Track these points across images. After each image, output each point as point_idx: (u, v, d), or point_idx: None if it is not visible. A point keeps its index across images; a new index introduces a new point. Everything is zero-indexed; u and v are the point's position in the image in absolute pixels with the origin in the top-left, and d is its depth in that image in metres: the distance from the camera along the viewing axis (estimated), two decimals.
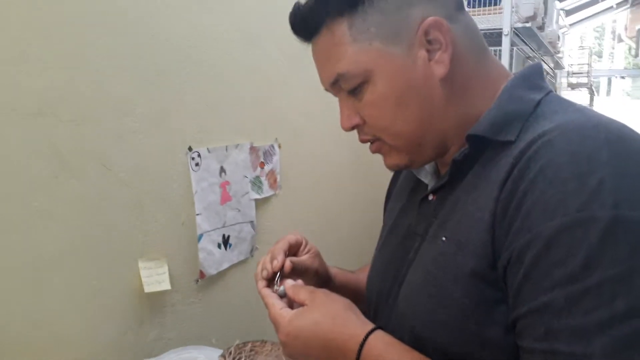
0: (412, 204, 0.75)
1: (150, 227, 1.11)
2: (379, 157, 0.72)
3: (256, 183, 1.44)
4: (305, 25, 0.65)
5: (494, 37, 1.85)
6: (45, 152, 0.89)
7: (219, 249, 1.30)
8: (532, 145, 0.52)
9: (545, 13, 2.29)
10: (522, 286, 0.50)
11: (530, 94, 0.61)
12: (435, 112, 0.63)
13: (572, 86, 6.19)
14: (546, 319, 0.47)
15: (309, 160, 1.67)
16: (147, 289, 1.08)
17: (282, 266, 0.74)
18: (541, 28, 2.18)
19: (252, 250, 1.43)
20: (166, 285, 1.12)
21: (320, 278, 0.83)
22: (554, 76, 4.16)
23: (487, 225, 0.54)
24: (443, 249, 0.60)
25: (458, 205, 0.61)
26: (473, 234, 0.56)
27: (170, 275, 1.14)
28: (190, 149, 1.19)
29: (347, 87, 0.64)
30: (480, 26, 1.88)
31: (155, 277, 1.11)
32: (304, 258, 0.80)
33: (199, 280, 1.24)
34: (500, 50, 1.78)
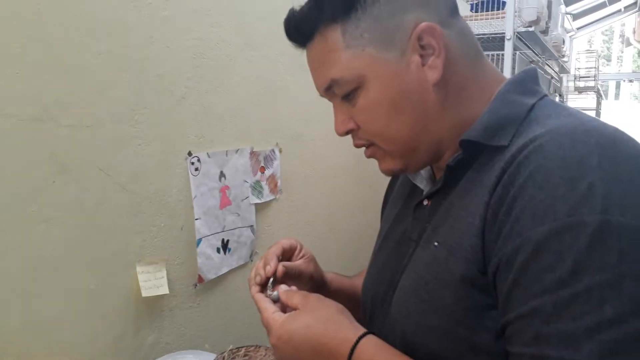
0: (407, 210, 0.75)
1: (149, 232, 1.11)
2: None
3: (256, 187, 1.44)
4: (299, 31, 0.65)
5: (497, 41, 1.85)
6: (44, 157, 0.90)
7: (218, 254, 1.30)
8: (523, 150, 0.52)
9: (549, 17, 2.28)
10: (512, 291, 0.49)
11: (524, 98, 0.60)
12: (429, 117, 0.63)
13: (580, 90, 6.14)
14: (535, 324, 0.47)
15: (310, 164, 1.67)
16: (145, 293, 1.08)
17: (275, 271, 0.74)
18: (545, 32, 2.17)
19: (251, 255, 1.43)
20: (164, 290, 1.12)
21: (315, 283, 0.83)
22: (559, 80, 4.14)
23: (477, 230, 0.54)
24: (435, 254, 0.60)
25: (451, 211, 0.61)
26: (464, 239, 0.56)
27: (168, 279, 1.14)
28: (189, 153, 1.19)
29: (341, 92, 0.64)
30: (484, 30, 1.88)
31: (154, 282, 1.11)
32: (298, 263, 0.80)
33: (198, 284, 1.25)
34: (503, 55, 1.78)
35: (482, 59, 0.66)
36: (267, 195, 1.48)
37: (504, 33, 1.77)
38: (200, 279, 1.25)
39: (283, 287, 0.72)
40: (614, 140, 0.49)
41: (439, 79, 0.60)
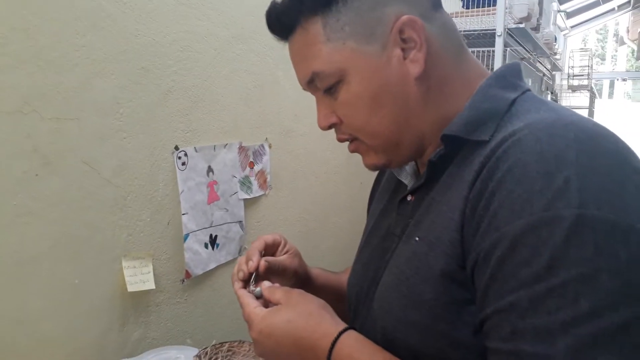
0: (392, 205, 0.75)
1: (135, 226, 1.10)
2: None
3: (245, 183, 1.43)
4: (280, 23, 0.64)
5: (488, 37, 1.85)
6: (26, 149, 0.89)
7: (205, 249, 1.30)
8: (502, 144, 0.52)
9: (541, 14, 2.28)
10: (489, 286, 0.49)
11: (505, 92, 0.60)
12: (411, 111, 0.62)
13: (573, 88, 6.17)
14: (512, 319, 0.47)
15: (300, 160, 1.67)
16: (131, 288, 1.07)
17: (258, 266, 0.73)
18: (536, 29, 2.17)
19: (240, 251, 1.43)
20: (150, 285, 1.12)
21: (300, 278, 0.83)
22: (551, 78, 4.15)
23: (457, 225, 0.54)
24: (416, 249, 0.60)
25: (432, 206, 0.61)
26: (444, 234, 0.55)
27: (155, 274, 1.14)
28: (176, 148, 1.19)
29: (323, 86, 0.64)
30: (475, 27, 1.88)
31: (140, 277, 1.11)
32: (281, 258, 0.80)
33: (185, 280, 1.24)
34: (493, 51, 1.78)
35: (465, 53, 0.65)
36: (256, 191, 1.48)
37: (494, 29, 1.78)
38: (188, 275, 1.24)
39: (266, 284, 0.72)
40: (592, 134, 0.49)
41: (421, 73, 0.60)
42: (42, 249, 0.92)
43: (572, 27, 8.87)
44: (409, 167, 0.74)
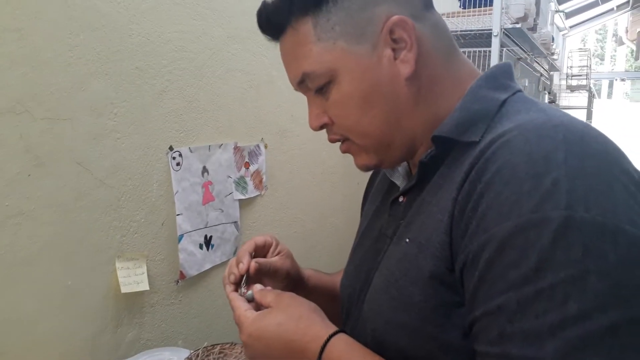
0: (384, 206, 0.74)
1: (129, 227, 1.10)
2: None
3: (240, 183, 1.43)
4: (270, 23, 0.64)
5: (484, 37, 1.85)
6: (18, 150, 0.88)
7: (200, 250, 1.29)
8: (491, 145, 0.51)
9: (538, 14, 2.28)
10: (478, 289, 0.49)
11: (496, 93, 0.60)
12: (402, 112, 0.62)
13: (572, 88, 6.17)
14: (500, 322, 0.46)
15: (296, 160, 1.66)
16: (124, 289, 1.07)
17: (248, 268, 0.73)
18: (533, 29, 2.17)
19: (235, 251, 1.42)
20: (144, 286, 1.11)
21: (292, 279, 0.82)
22: (549, 78, 4.14)
23: (446, 227, 0.53)
24: (406, 250, 0.59)
25: (423, 207, 0.60)
26: (433, 235, 0.55)
27: (149, 275, 1.13)
28: (171, 148, 1.18)
29: (314, 86, 0.63)
30: (472, 27, 1.88)
31: (134, 278, 1.10)
32: (273, 259, 0.79)
33: (180, 281, 1.24)
34: (490, 52, 1.78)
35: (457, 54, 0.65)
36: (251, 191, 1.47)
37: (491, 29, 1.77)
38: (182, 276, 1.24)
39: (258, 287, 0.71)
40: (581, 135, 0.49)
41: (412, 73, 0.60)
42: (35, 250, 0.92)
43: (571, 27, 8.88)
44: (401, 168, 0.74)
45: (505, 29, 1.85)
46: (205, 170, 1.29)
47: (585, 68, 6.16)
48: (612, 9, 8.75)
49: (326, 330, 0.61)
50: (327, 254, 1.86)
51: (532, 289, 0.44)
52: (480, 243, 0.48)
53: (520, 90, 0.63)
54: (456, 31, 1.91)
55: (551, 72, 4.36)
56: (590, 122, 6.25)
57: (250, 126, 1.44)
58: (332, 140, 0.69)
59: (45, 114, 0.92)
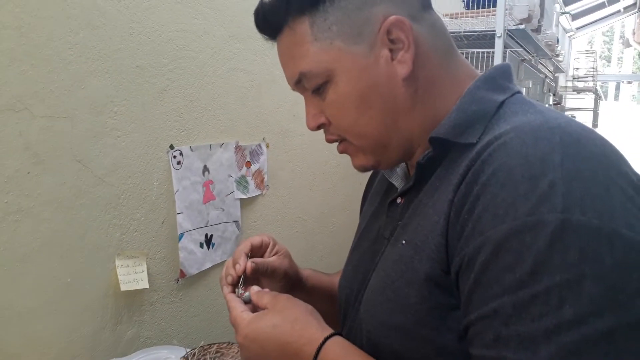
0: (383, 207, 0.74)
1: (128, 225, 1.10)
2: None
3: (242, 183, 1.43)
4: (267, 23, 0.64)
5: (488, 39, 1.84)
6: (17, 147, 0.88)
7: (201, 249, 1.29)
8: (488, 147, 0.51)
9: (542, 16, 2.26)
10: (473, 292, 0.48)
11: (493, 95, 0.59)
12: (399, 112, 0.62)
13: (578, 90, 6.13)
14: (495, 326, 0.46)
15: (298, 160, 1.66)
16: (124, 287, 1.07)
17: (245, 269, 0.73)
18: (537, 30, 2.15)
19: None
20: (144, 284, 1.11)
21: (290, 279, 0.82)
22: (554, 80, 4.12)
23: (442, 229, 0.53)
24: (402, 252, 0.59)
25: (419, 209, 0.60)
26: (429, 237, 0.55)
27: (149, 274, 1.14)
28: (171, 147, 1.18)
29: (311, 86, 0.63)
30: (475, 28, 1.87)
31: (133, 276, 1.11)
32: (270, 259, 0.79)
33: (180, 279, 1.24)
34: (493, 53, 1.77)
35: (455, 55, 0.65)
36: (253, 191, 1.47)
37: (494, 30, 1.76)
38: (182, 274, 1.24)
39: (255, 288, 0.71)
40: (578, 138, 0.48)
41: (409, 74, 0.59)
42: (34, 247, 0.92)
43: (577, 28, 8.83)
44: (399, 169, 0.74)
45: (508, 30, 1.84)
46: (206, 169, 1.29)
47: (592, 70, 6.12)
48: (619, 11, 8.70)
49: (322, 333, 0.61)
50: (328, 254, 1.85)
51: (527, 293, 0.44)
52: (476, 246, 0.48)
53: (519, 92, 0.62)
54: (459, 32, 1.90)
55: (556, 74, 4.34)
56: (597, 124, 6.21)
57: (251, 125, 1.44)
58: (329, 141, 0.69)
59: (45, 112, 0.92)
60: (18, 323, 0.91)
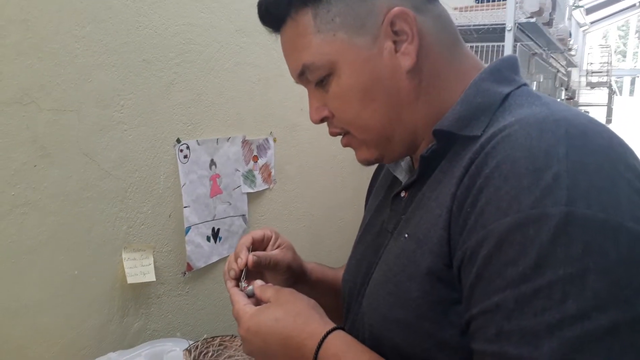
0: (387, 201, 0.74)
1: (135, 219, 1.10)
2: None
3: (249, 177, 1.43)
4: (270, 14, 0.63)
5: (498, 32, 1.82)
6: (24, 140, 0.89)
7: (208, 242, 1.30)
8: (492, 139, 0.50)
9: (554, 9, 2.23)
10: (475, 286, 0.48)
11: (499, 87, 0.58)
12: (403, 105, 0.61)
13: (592, 85, 6.05)
14: (497, 320, 0.45)
15: (306, 154, 1.66)
16: (131, 280, 1.08)
17: (247, 262, 0.73)
18: (549, 24, 2.12)
19: None
20: (151, 277, 1.12)
21: (294, 273, 0.82)
22: (566, 74, 4.06)
23: (444, 223, 0.52)
24: (404, 246, 0.58)
25: (422, 202, 0.59)
26: (431, 231, 0.54)
27: (156, 267, 1.14)
28: (178, 140, 1.18)
29: (314, 78, 0.63)
30: (485, 21, 1.85)
31: (140, 269, 1.11)
32: (273, 252, 0.78)
33: (186, 272, 1.24)
34: (503, 46, 1.75)
35: (460, 47, 0.64)
36: (260, 185, 1.47)
37: (505, 24, 1.74)
38: (189, 267, 1.25)
39: (258, 282, 0.71)
40: (584, 130, 0.47)
41: (413, 66, 0.58)
42: (41, 239, 0.93)
43: (591, 23, 8.70)
44: (404, 163, 0.73)
45: (519, 24, 1.81)
46: (213, 163, 1.29)
47: (606, 64, 6.03)
48: (635, 5, 8.56)
49: (324, 327, 0.61)
50: (336, 248, 1.85)
51: (530, 287, 0.43)
52: (479, 239, 0.47)
53: (525, 84, 0.61)
54: (469, 25, 1.88)
55: (569, 69, 4.28)
56: (611, 119, 6.13)
57: (259, 120, 1.44)
58: (332, 134, 0.68)
59: (51, 105, 0.92)
60: (25, 315, 0.92)
